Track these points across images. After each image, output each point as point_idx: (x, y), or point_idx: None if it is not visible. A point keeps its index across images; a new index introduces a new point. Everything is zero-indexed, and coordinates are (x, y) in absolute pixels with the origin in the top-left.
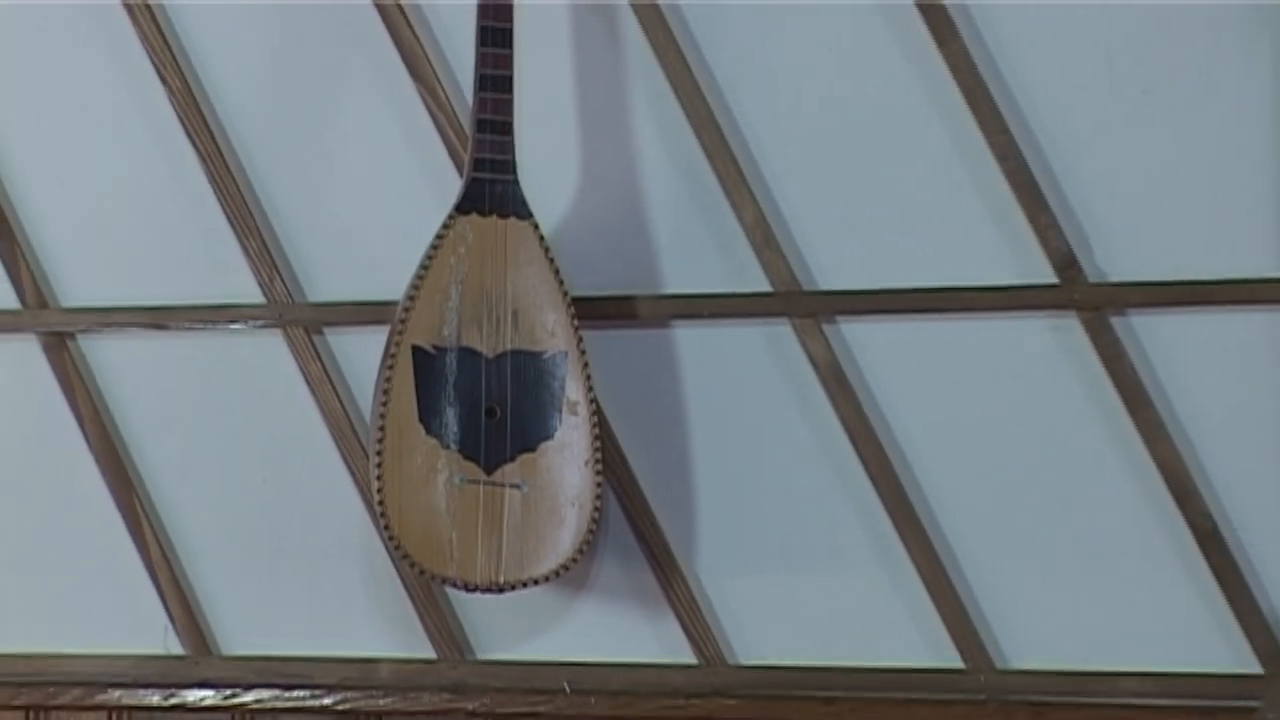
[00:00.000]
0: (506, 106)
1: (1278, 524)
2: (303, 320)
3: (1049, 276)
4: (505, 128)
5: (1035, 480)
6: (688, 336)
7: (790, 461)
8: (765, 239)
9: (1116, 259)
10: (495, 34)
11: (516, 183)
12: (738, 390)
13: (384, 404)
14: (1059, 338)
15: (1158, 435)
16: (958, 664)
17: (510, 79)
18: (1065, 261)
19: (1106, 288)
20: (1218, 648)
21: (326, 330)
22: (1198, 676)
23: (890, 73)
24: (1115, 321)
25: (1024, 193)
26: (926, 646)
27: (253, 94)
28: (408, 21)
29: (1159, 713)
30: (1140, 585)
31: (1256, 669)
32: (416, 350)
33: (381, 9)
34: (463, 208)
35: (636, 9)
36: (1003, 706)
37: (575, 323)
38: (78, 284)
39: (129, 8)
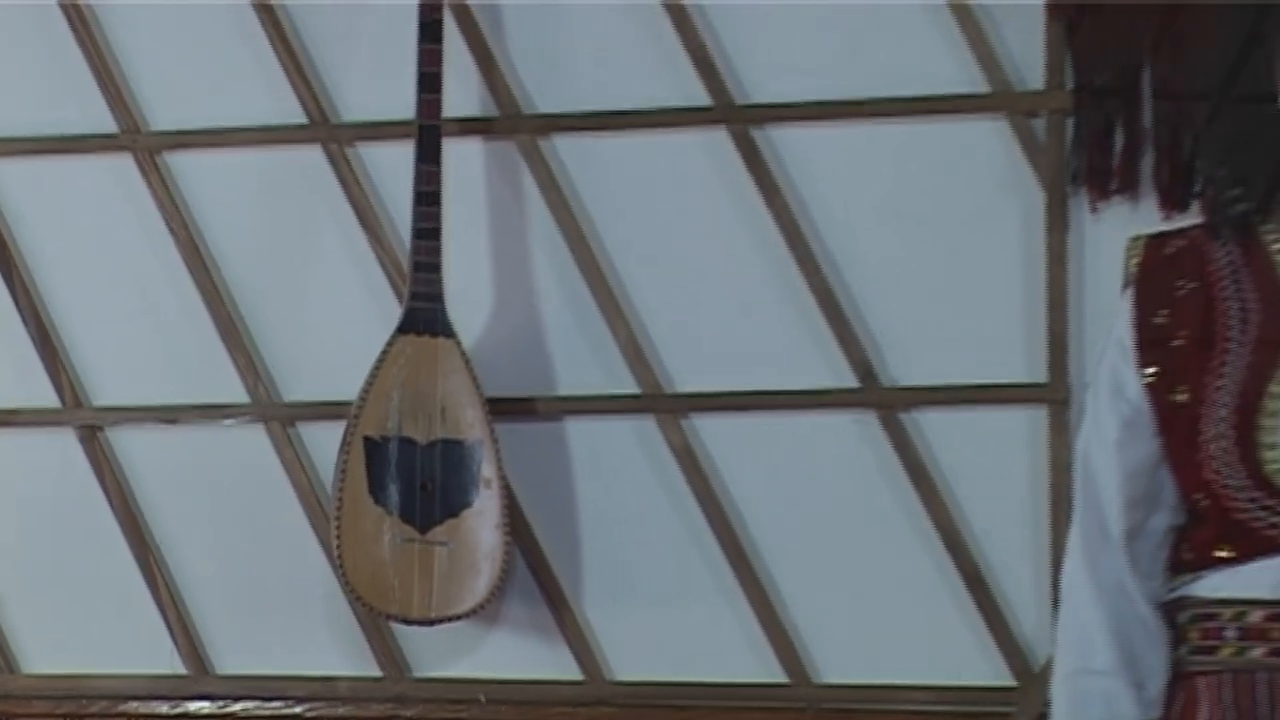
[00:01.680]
0: (435, 251)
1: (1025, 570)
2: (280, 416)
3: (852, 381)
4: (435, 267)
5: (843, 535)
6: (576, 428)
7: (655, 522)
8: (636, 351)
9: (905, 366)
10: (426, 196)
11: (444, 309)
12: (614, 469)
13: (342, 481)
14: (860, 430)
15: (936, 502)
16: (784, 679)
17: (439, 230)
18: (865, 369)
19: (897, 390)
20: (982, 665)
21: (299, 423)
22: (967, 689)
23: (721, 210)
24: (904, 417)
25: (830, 311)
26: (760, 665)
27: (241, 238)
28: (359, 184)
29: (937, 718)
30: (923, 616)
31: (1012, 682)
32: (367, 439)
33: (339, 175)
34: (403, 329)
35: (534, 173)
36: (820, 714)
37: (489, 417)
38: (106, 386)
39: (145, 175)
